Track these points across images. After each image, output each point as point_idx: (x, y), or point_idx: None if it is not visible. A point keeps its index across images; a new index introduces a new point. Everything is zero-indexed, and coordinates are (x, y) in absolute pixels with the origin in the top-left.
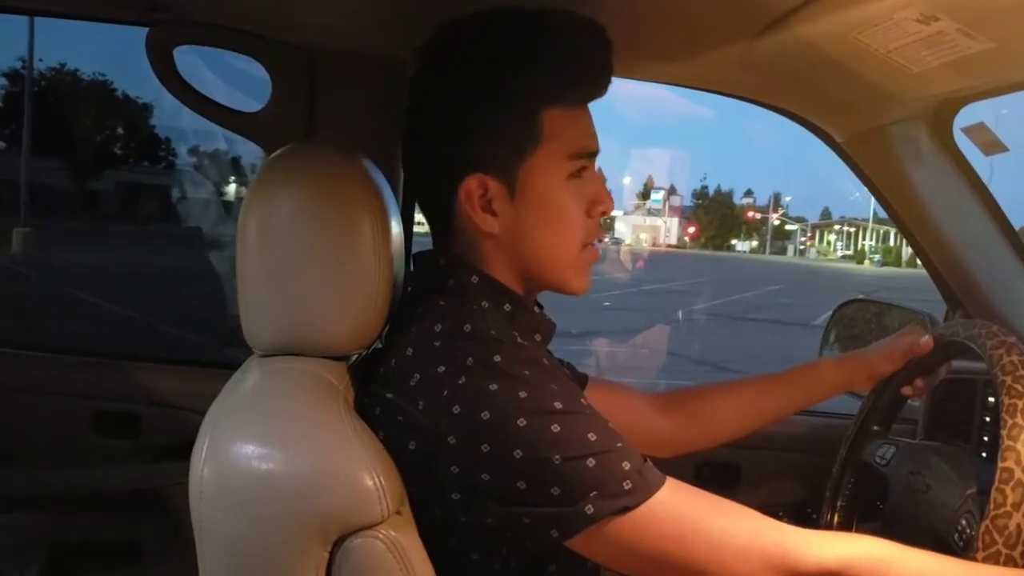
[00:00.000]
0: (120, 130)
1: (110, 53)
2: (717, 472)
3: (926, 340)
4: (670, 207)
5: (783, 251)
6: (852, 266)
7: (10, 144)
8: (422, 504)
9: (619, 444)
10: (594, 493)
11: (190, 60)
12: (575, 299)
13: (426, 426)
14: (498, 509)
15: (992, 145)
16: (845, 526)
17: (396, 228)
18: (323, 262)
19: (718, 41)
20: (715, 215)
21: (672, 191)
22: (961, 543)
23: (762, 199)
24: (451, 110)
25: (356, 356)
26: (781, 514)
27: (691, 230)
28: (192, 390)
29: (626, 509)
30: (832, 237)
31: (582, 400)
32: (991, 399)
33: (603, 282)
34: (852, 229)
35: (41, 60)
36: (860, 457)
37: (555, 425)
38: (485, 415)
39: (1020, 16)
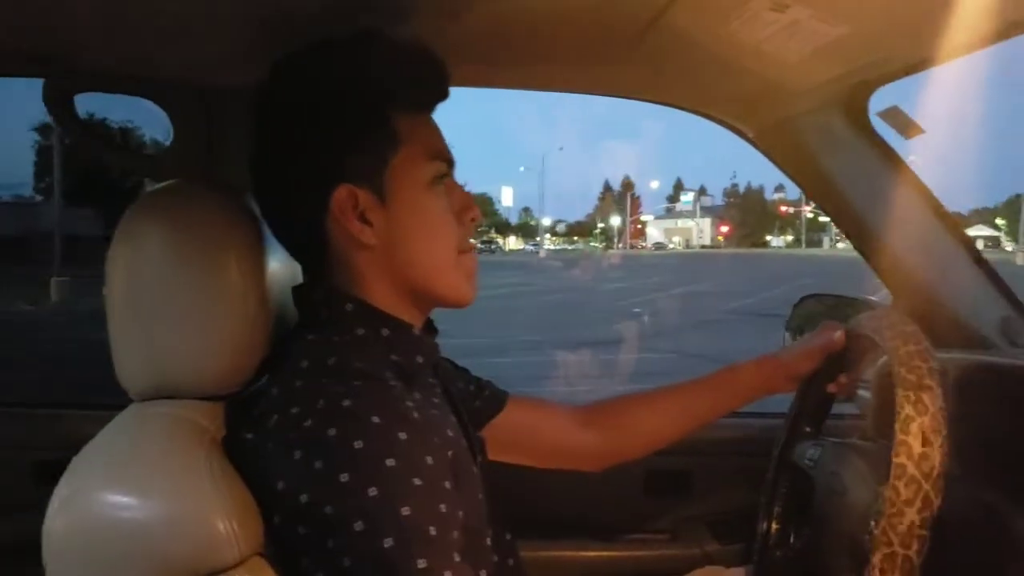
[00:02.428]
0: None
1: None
2: (668, 481)
3: (839, 335)
4: (702, 207)
5: (819, 243)
6: None
7: (46, 196)
8: (287, 544)
9: (432, 531)
10: (379, 573)
11: None
12: (607, 307)
13: (280, 469)
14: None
15: (909, 127)
16: (782, 535)
17: (276, 265)
18: (189, 303)
19: (603, 43)
20: (748, 212)
21: (702, 191)
22: (870, 546)
23: (793, 193)
24: (307, 126)
25: (238, 394)
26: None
27: (724, 229)
28: None
29: None
30: None
31: (427, 460)
32: None
33: (633, 288)
34: None
35: None
36: (792, 460)
37: (373, 488)
38: (318, 464)
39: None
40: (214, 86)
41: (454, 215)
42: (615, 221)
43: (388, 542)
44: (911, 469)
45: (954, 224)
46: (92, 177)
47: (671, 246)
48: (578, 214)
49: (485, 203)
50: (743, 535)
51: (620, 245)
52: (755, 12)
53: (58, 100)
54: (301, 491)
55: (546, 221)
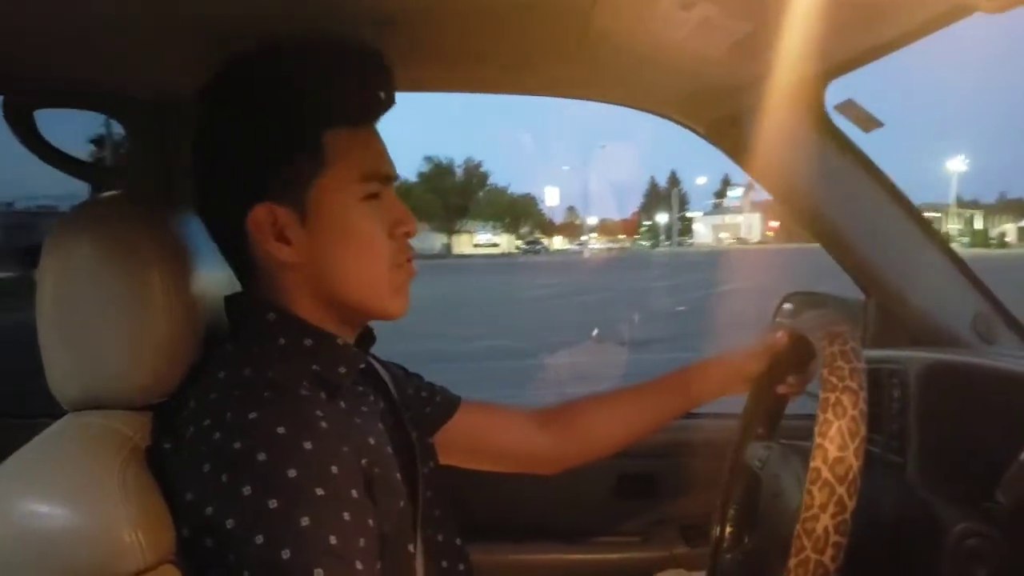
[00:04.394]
0: None
1: None
2: (639, 483)
3: (780, 335)
4: (751, 203)
5: None
6: None
7: None
8: (195, 556)
9: (333, 540)
10: None
11: None
12: (651, 306)
13: (190, 481)
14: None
15: (867, 121)
16: (736, 537)
17: (220, 275)
18: (113, 315)
19: (540, 43)
20: None
21: (751, 186)
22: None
23: None
24: (231, 141)
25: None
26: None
27: (773, 224)
28: None
29: None
30: None
31: (332, 470)
32: (896, 390)
33: (678, 286)
34: (936, 215)
35: None
36: (744, 462)
37: (273, 500)
38: (224, 477)
39: None
40: (168, 98)
41: (387, 230)
42: (661, 219)
43: (286, 553)
44: (825, 473)
45: (923, 219)
46: None
47: (729, 240)
48: (623, 212)
49: (529, 204)
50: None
51: (667, 243)
52: (666, 11)
53: (17, 117)
54: (207, 504)
55: (591, 220)
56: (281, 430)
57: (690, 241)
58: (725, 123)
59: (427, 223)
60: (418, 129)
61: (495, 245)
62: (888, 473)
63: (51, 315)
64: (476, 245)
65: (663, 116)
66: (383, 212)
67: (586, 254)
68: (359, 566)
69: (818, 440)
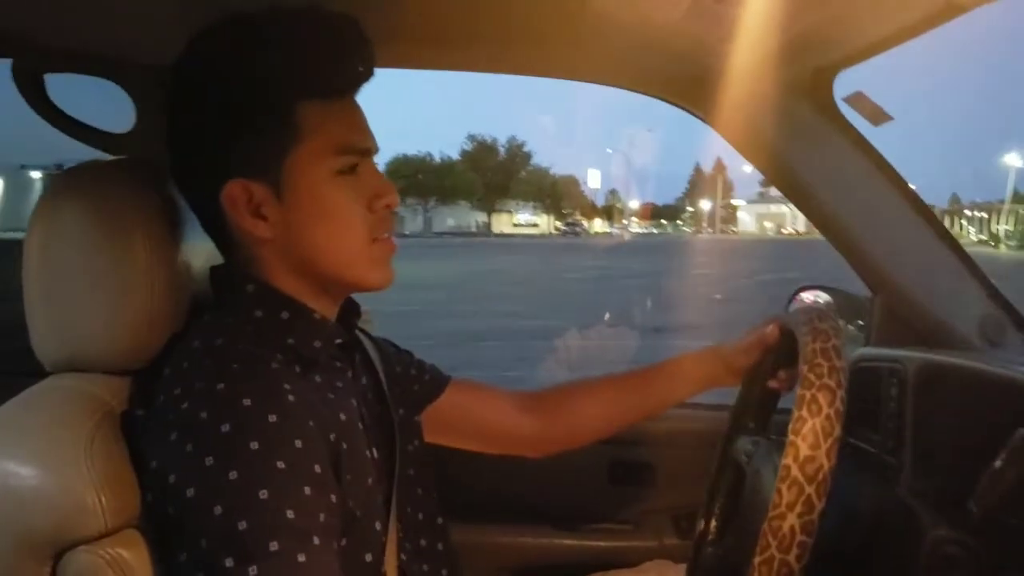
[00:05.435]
0: None
1: None
2: (630, 471)
3: (771, 329)
4: None
5: None
6: (988, 250)
7: None
8: (158, 522)
9: (290, 514)
10: (232, 555)
11: None
12: (686, 292)
13: (156, 448)
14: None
15: (877, 115)
16: (720, 533)
17: (198, 247)
18: (96, 279)
19: (538, 22)
20: None
21: None
22: None
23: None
24: (205, 116)
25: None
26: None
27: None
28: None
29: None
30: (964, 223)
31: (296, 444)
32: (893, 389)
33: (718, 274)
34: (983, 215)
35: None
36: (732, 455)
37: (233, 472)
38: (188, 447)
39: None
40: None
41: (365, 204)
42: (705, 205)
43: (242, 524)
44: (795, 471)
45: (932, 217)
46: None
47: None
48: (667, 197)
49: (571, 185)
50: None
51: (709, 230)
52: None
53: (26, 81)
54: (170, 472)
55: (633, 204)
56: (247, 402)
57: (734, 229)
58: (728, 110)
59: (467, 201)
60: (464, 107)
61: (535, 225)
62: (874, 474)
63: (36, 277)
64: (516, 225)
65: (664, 100)
66: (361, 185)
67: (626, 237)
68: (316, 541)
69: (791, 437)
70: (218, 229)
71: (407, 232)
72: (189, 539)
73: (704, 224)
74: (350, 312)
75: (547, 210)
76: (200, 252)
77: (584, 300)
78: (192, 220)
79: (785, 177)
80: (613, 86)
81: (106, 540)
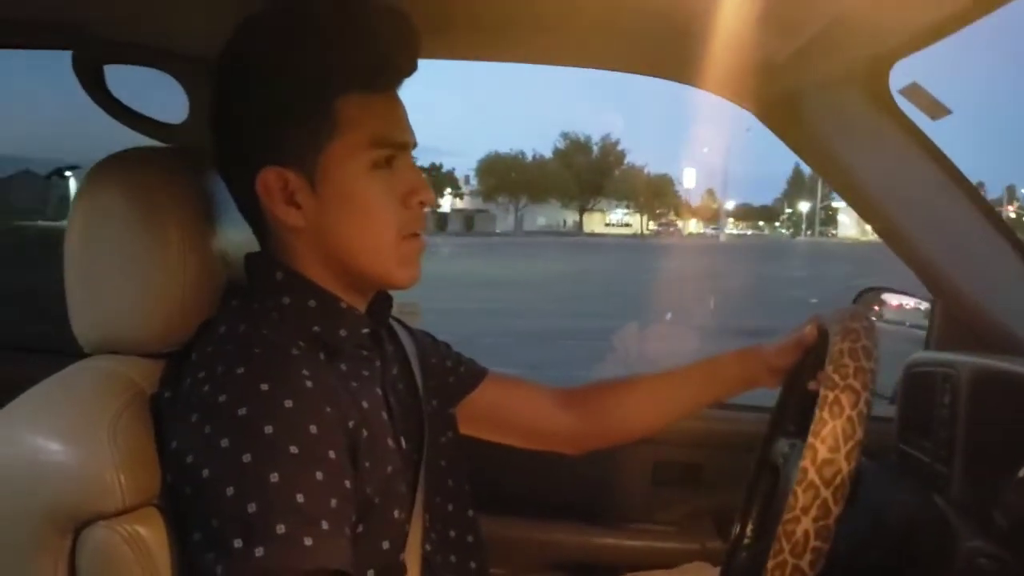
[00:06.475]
0: None
1: None
2: (674, 472)
3: (810, 329)
4: None
5: None
6: None
7: None
8: (176, 502)
9: (300, 498)
10: (240, 536)
11: None
12: (784, 296)
13: (178, 429)
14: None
15: (934, 108)
16: (756, 536)
17: (236, 234)
18: (130, 263)
19: (571, 16)
20: None
21: None
22: None
23: (994, 190)
24: (245, 102)
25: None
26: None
27: None
28: None
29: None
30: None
31: (311, 429)
32: (946, 396)
33: (814, 277)
34: None
35: None
36: (770, 458)
37: (247, 454)
38: (207, 428)
39: None
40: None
41: (399, 199)
42: (804, 207)
43: (252, 507)
44: (812, 474)
45: (996, 216)
46: None
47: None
48: (764, 198)
49: (666, 185)
50: None
51: (808, 232)
52: None
53: (87, 72)
54: (188, 452)
55: (728, 204)
56: (265, 387)
57: (833, 231)
58: (778, 104)
59: (559, 200)
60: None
61: (627, 225)
62: (919, 482)
63: (76, 260)
64: (607, 224)
65: (711, 92)
66: (396, 180)
67: (722, 239)
68: (325, 526)
69: (810, 439)
70: (254, 216)
71: (498, 231)
72: (203, 519)
73: (803, 226)
74: (382, 302)
75: (640, 209)
76: (238, 240)
77: (672, 301)
78: (233, 209)
79: (838, 174)
80: (655, 77)
81: (124, 517)
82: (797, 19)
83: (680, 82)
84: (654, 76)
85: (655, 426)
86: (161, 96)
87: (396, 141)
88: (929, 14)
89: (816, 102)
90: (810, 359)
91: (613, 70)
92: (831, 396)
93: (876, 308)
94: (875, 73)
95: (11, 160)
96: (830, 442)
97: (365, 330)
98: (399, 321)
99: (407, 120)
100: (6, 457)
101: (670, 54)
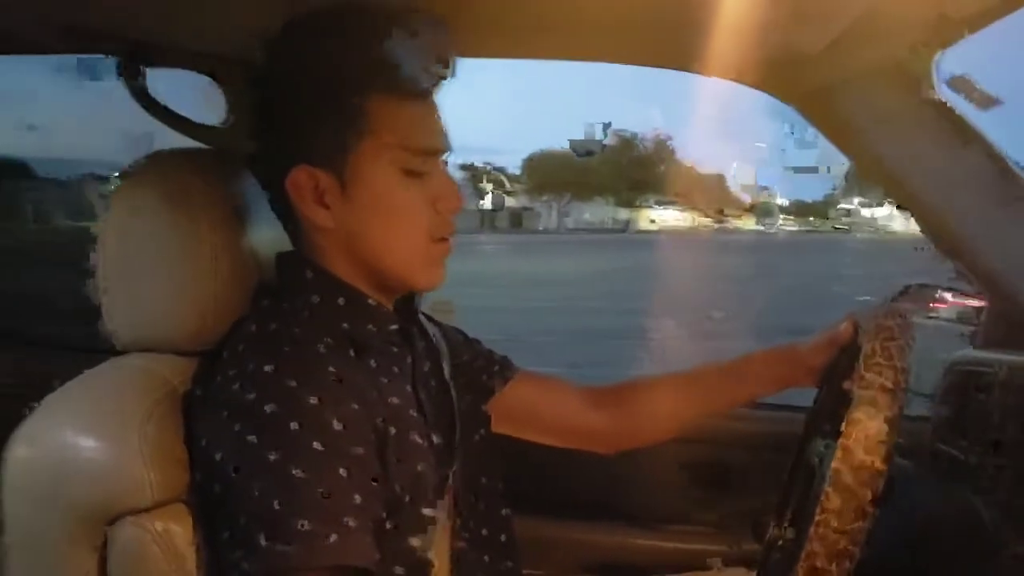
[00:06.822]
0: None
1: None
2: (712, 473)
3: (845, 327)
4: None
5: None
6: None
7: None
8: (205, 498)
9: (323, 494)
10: (264, 532)
11: None
12: (830, 296)
13: (208, 427)
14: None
15: (984, 99)
16: (795, 542)
17: (269, 234)
18: (164, 262)
19: (611, 9)
20: None
21: None
22: None
23: None
24: (279, 102)
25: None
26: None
27: None
28: None
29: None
30: None
31: (336, 426)
32: (985, 395)
33: (871, 275)
34: None
35: None
36: (806, 458)
37: (273, 452)
38: (236, 426)
39: None
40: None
41: (429, 203)
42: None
43: (276, 504)
44: (846, 477)
45: None
46: None
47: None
48: (818, 194)
49: (718, 180)
50: None
51: (869, 228)
52: None
53: (132, 75)
54: (218, 450)
55: (782, 201)
56: (292, 383)
57: (892, 228)
58: (819, 96)
59: (606, 197)
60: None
61: (678, 222)
62: (958, 483)
63: (111, 260)
64: (651, 221)
65: (751, 87)
66: (427, 185)
67: (775, 235)
68: (350, 523)
69: (842, 440)
70: (285, 215)
71: (540, 228)
72: (231, 516)
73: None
74: (410, 300)
75: (692, 206)
76: (269, 240)
77: (721, 300)
78: (265, 209)
79: (882, 170)
80: (693, 72)
81: (152, 513)
82: (829, 11)
83: (718, 77)
84: (693, 72)
85: (685, 424)
86: (199, 99)
87: (428, 147)
88: (966, 5)
89: (856, 94)
90: (845, 357)
91: (653, 66)
92: (864, 396)
93: (927, 304)
94: (915, 64)
95: (76, 163)
96: (863, 443)
97: (393, 326)
98: (430, 318)
99: (441, 125)
100: (40, 452)
101: (707, 49)
